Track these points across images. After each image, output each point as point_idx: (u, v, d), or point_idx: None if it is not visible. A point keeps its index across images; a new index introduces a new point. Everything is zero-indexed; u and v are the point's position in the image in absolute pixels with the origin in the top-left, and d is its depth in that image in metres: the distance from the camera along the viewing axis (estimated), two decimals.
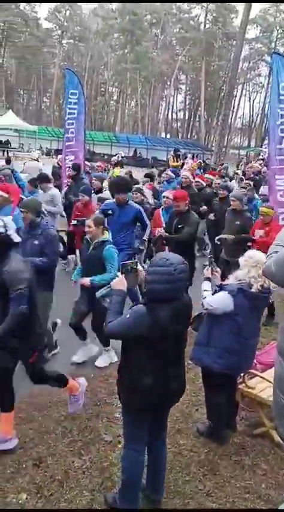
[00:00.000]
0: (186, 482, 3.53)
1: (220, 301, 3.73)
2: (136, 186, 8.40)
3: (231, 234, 6.91)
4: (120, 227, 6.22)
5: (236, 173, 15.22)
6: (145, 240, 6.85)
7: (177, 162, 18.07)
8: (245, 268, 3.77)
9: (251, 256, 3.79)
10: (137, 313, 2.75)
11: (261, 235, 6.58)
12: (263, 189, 9.48)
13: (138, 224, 6.63)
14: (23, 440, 3.88)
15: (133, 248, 6.53)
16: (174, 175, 11.80)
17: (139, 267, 3.11)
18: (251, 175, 13.36)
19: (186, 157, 23.33)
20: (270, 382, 4.18)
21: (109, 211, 6.31)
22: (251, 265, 3.73)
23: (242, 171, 15.97)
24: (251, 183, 10.14)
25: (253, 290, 3.67)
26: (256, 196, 9.54)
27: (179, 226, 6.24)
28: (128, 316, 2.76)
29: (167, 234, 6.41)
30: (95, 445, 3.89)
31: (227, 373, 3.87)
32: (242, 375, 4.21)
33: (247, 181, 10.71)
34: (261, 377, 4.28)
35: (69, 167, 10.04)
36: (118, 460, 3.54)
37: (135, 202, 6.99)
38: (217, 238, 7.32)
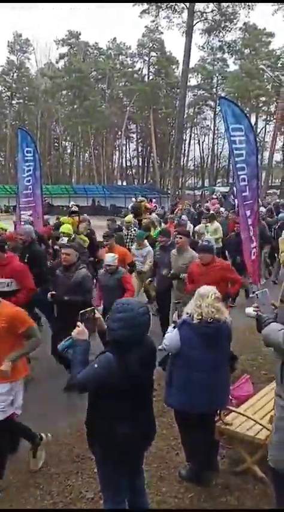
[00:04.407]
0: None
1: (170, 338, 3.81)
2: None
3: None
4: None
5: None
6: None
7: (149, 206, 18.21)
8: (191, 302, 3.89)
9: (199, 290, 3.90)
10: (106, 361, 2.72)
11: None
12: None
13: None
14: None
15: None
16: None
17: (98, 314, 3.12)
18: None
19: (152, 201, 24.40)
20: (246, 416, 4.20)
21: None
22: (195, 298, 3.84)
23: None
24: None
25: (194, 321, 3.72)
26: None
27: None
28: (96, 365, 2.72)
29: None
30: (76, 504, 3.76)
31: (182, 410, 3.87)
32: (218, 412, 4.15)
33: None
34: (237, 412, 4.28)
35: (25, 221, 10.12)
36: None
37: None
38: None
